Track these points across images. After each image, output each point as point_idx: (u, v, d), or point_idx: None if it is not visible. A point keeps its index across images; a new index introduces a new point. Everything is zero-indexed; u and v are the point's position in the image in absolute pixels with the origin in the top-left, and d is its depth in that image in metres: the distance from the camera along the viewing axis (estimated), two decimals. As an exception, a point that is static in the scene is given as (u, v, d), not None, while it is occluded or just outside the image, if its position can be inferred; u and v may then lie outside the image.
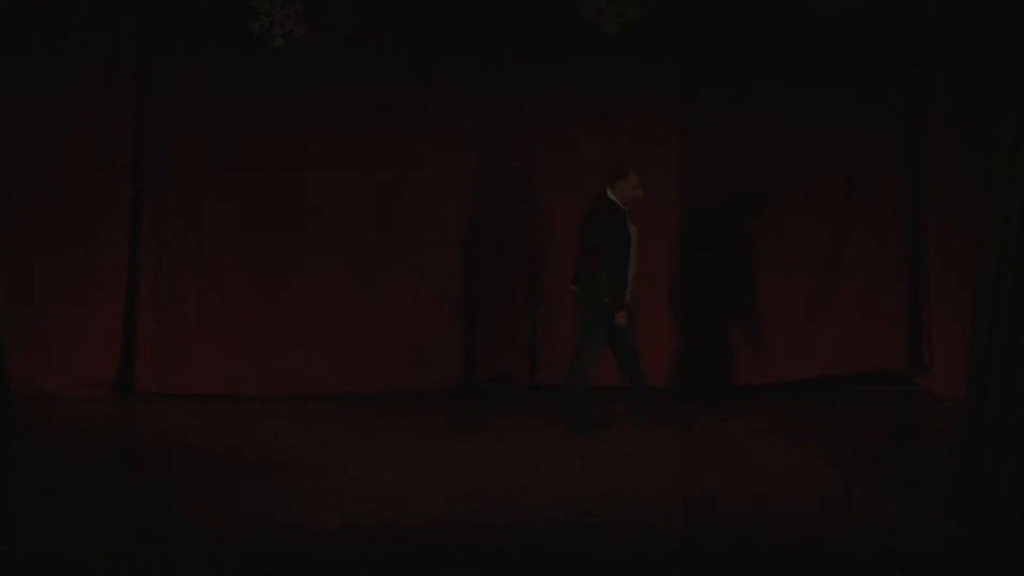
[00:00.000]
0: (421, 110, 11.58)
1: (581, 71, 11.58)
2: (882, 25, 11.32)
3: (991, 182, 7.77)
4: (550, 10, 11.31)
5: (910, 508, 8.08)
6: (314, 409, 10.97)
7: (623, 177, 9.99)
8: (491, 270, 11.78)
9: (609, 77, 11.56)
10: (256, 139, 11.37)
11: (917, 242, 11.73)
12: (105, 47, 11.26)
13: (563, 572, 7.10)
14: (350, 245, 11.48)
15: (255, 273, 11.43)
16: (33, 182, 11.16)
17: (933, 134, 11.54)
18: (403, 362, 11.51)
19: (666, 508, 8.21)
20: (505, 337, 11.78)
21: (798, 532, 7.73)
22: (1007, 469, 7.56)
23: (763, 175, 11.60)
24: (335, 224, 11.44)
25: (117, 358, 11.39)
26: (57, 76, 11.19)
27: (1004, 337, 7.60)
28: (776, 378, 11.73)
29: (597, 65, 11.51)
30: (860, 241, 11.77)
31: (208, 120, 11.35)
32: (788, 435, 10.06)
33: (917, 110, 11.64)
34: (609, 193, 10.02)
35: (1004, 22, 8.04)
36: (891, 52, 11.51)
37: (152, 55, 11.33)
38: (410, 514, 7.92)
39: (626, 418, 10.48)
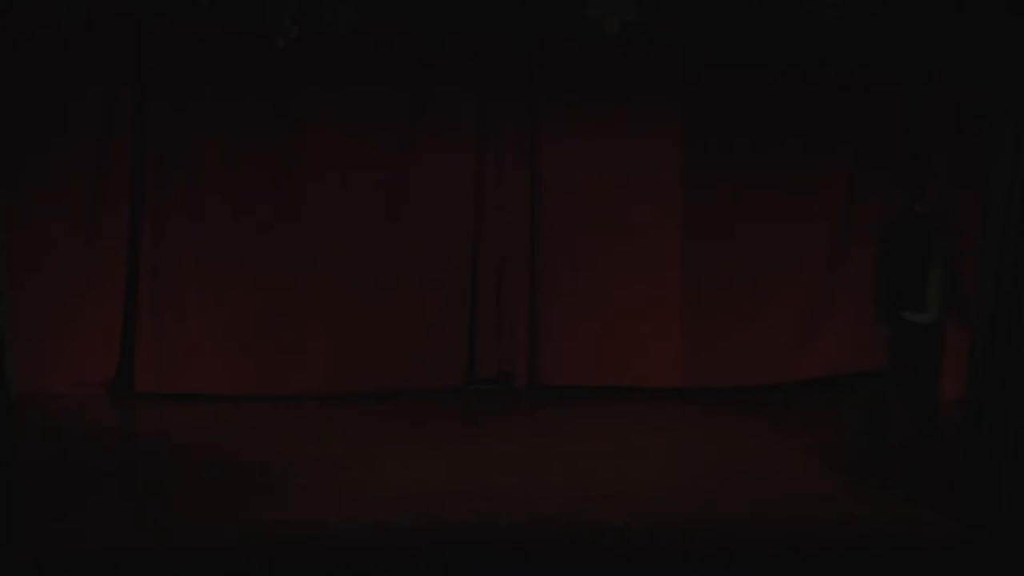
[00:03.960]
0: (421, 109, 11.57)
1: (581, 70, 11.56)
2: (882, 25, 11.30)
3: (991, 182, 7.77)
4: (550, 9, 11.29)
5: (910, 508, 8.08)
6: (314, 409, 10.96)
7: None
8: (491, 269, 11.77)
9: (610, 76, 11.54)
10: (256, 138, 11.35)
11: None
12: (105, 46, 11.24)
13: (563, 572, 7.10)
14: (350, 244, 11.46)
15: (255, 272, 11.41)
16: (33, 180, 11.13)
17: (933, 135, 11.53)
18: (403, 362, 11.50)
19: (666, 508, 8.21)
20: (505, 337, 11.77)
21: (798, 532, 7.73)
22: (1007, 469, 7.56)
23: (763, 174, 11.59)
24: (335, 223, 11.42)
25: (116, 358, 11.37)
26: (57, 75, 11.16)
27: (1004, 337, 7.60)
28: (776, 378, 11.72)
29: (597, 64, 11.47)
30: (860, 241, 11.76)
31: (208, 119, 11.33)
32: (787, 435, 10.05)
33: (917, 110, 11.64)
34: (916, 208, 10.01)
35: (1005, 21, 8.04)
36: (891, 52, 11.50)
37: (152, 54, 11.31)
38: (410, 514, 7.92)
39: (628, 419, 10.47)
